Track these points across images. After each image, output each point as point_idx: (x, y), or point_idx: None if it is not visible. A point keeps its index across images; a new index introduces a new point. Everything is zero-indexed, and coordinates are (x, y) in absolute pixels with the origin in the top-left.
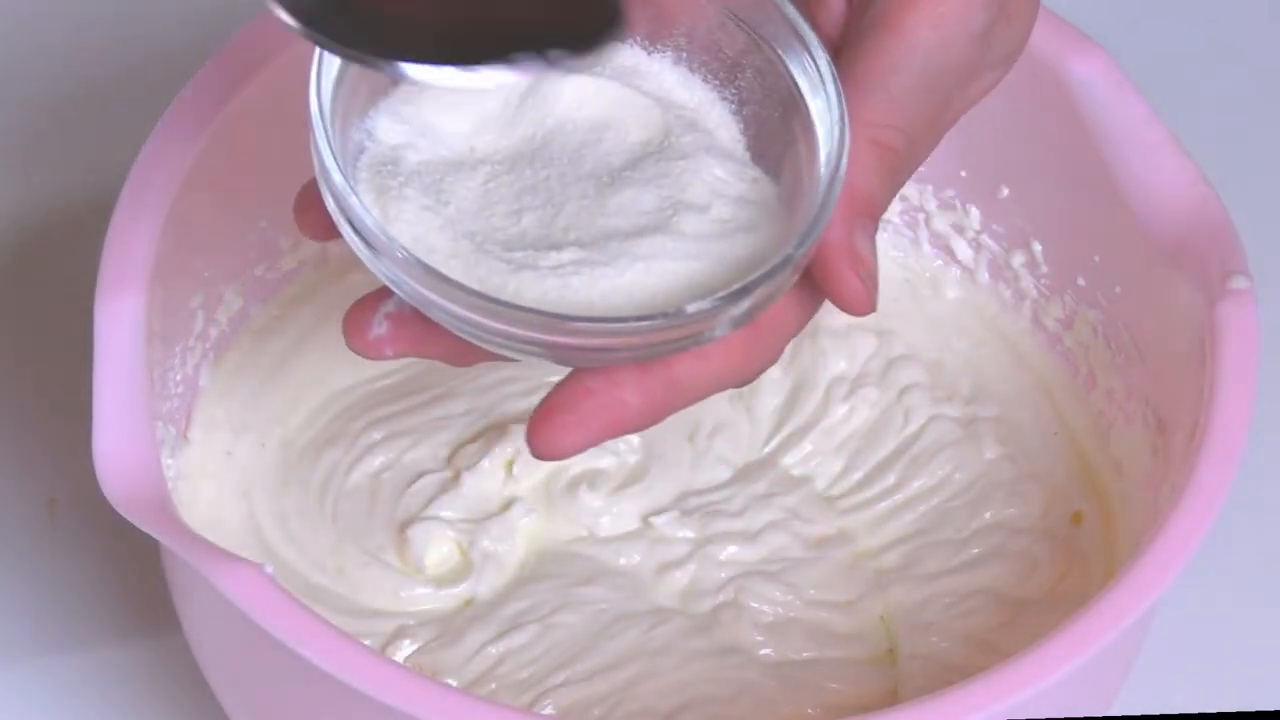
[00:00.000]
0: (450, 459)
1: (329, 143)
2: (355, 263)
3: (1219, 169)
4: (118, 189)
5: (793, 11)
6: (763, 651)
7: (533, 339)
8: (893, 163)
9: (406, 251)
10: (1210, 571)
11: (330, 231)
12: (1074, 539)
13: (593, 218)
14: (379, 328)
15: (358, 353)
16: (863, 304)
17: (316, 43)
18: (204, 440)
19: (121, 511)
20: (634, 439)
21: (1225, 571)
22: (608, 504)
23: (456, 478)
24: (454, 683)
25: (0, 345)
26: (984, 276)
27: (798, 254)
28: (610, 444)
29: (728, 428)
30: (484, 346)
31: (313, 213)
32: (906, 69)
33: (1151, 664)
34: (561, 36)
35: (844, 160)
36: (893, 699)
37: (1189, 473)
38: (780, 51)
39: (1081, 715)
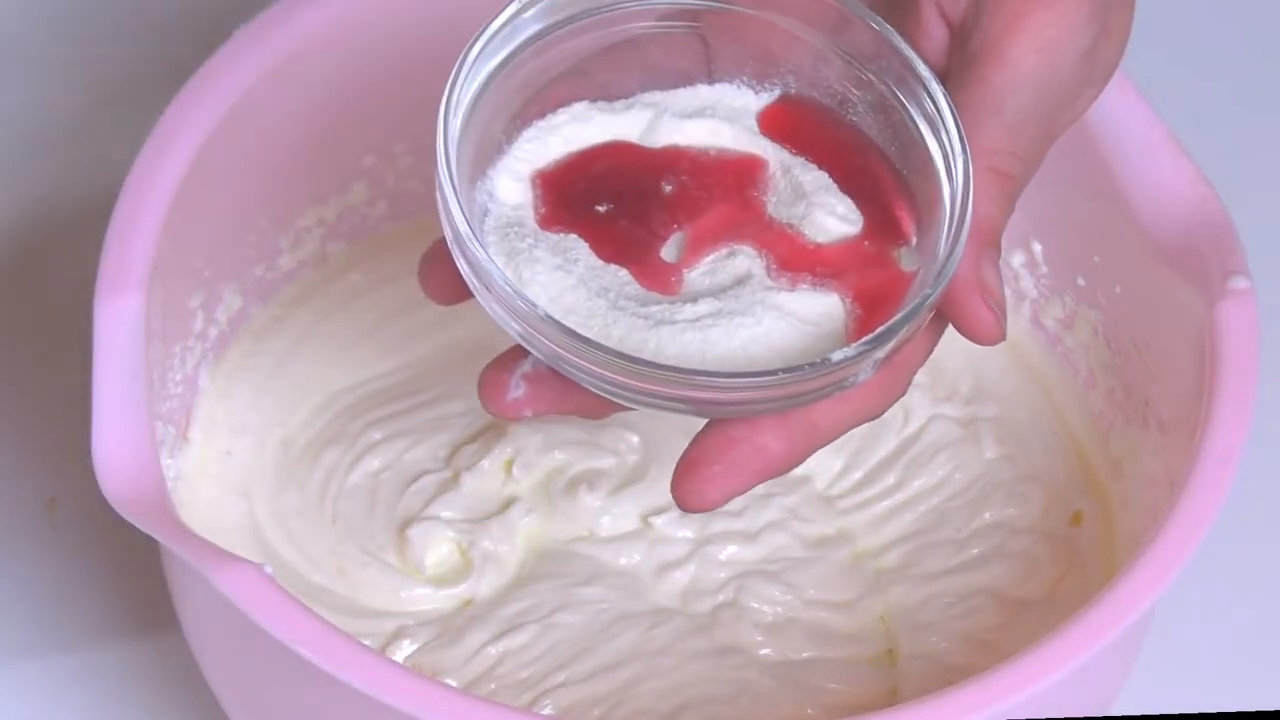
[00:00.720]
0: (450, 459)
1: (462, 209)
2: (354, 263)
3: (1219, 169)
4: (118, 189)
5: (904, 44)
6: (762, 651)
7: (677, 395)
8: (1010, 189)
9: (547, 315)
10: (1210, 571)
11: (456, 294)
12: (1074, 539)
13: (722, 264)
14: (516, 390)
15: (496, 415)
16: (994, 334)
17: None
18: (204, 440)
19: (121, 511)
20: (634, 438)
21: (1225, 571)
22: (608, 504)
23: (456, 478)
24: (454, 683)
25: (0, 345)
26: None
27: (935, 293)
28: (610, 444)
29: None
30: (624, 403)
31: (440, 275)
32: (1018, 95)
33: (1151, 664)
34: None
35: (971, 194)
36: (892, 699)
37: (1189, 473)
38: (893, 86)
39: (1081, 715)
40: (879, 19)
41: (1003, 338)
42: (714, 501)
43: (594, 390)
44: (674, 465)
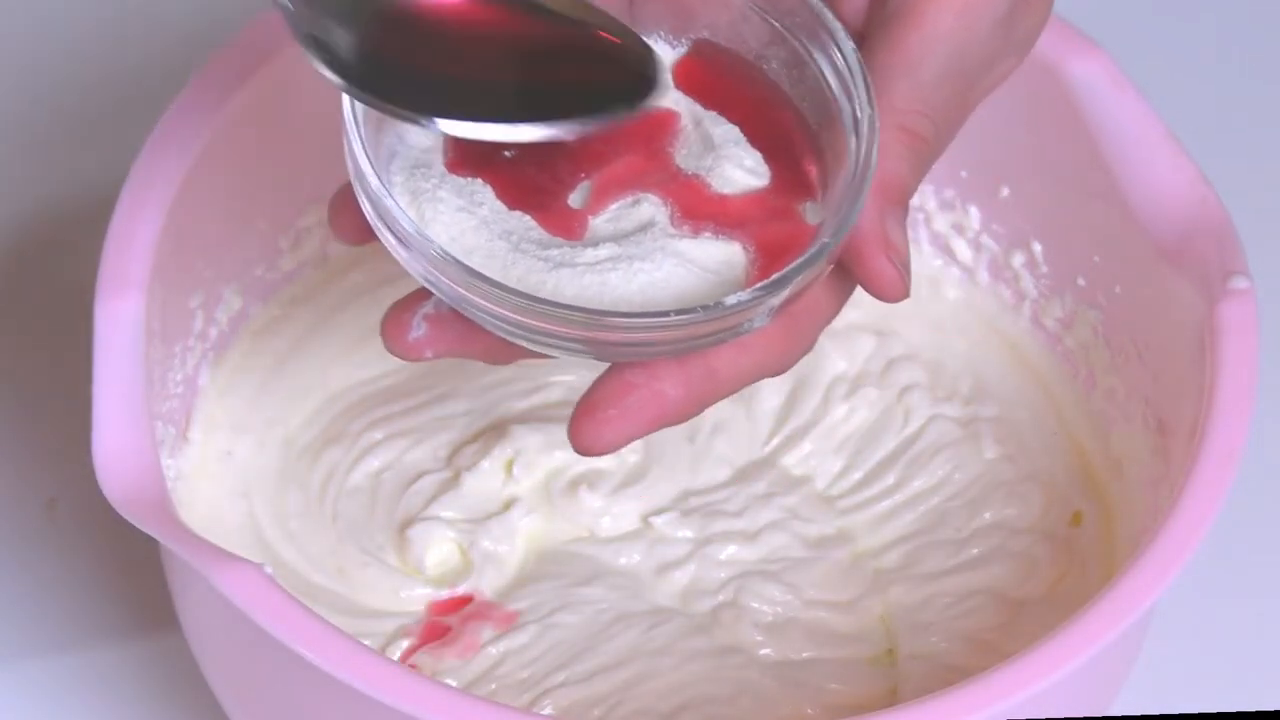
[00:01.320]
0: (450, 459)
1: (364, 147)
2: (355, 263)
3: (1219, 169)
4: (118, 189)
5: (818, 2)
6: (762, 651)
7: (574, 335)
8: (920, 149)
9: (445, 252)
10: (1210, 571)
11: (364, 234)
12: (1074, 539)
13: (626, 212)
14: (418, 330)
15: (397, 355)
16: (897, 290)
17: (356, 98)
18: (204, 440)
19: (121, 511)
20: None
21: (1225, 571)
22: (608, 504)
23: (456, 478)
24: (454, 683)
25: (0, 345)
26: (984, 276)
27: (834, 243)
28: None
29: (728, 427)
30: (524, 345)
31: (347, 216)
32: (932, 56)
33: (1151, 664)
34: (599, 95)
35: (875, 150)
36: (892, 699)
37: (1189, 473)
38: (806, 42)
39: (1081, 715)
40: None
41: (905, 294)
42: (610, 444)
43: (494, 331)
44: (674, 465)
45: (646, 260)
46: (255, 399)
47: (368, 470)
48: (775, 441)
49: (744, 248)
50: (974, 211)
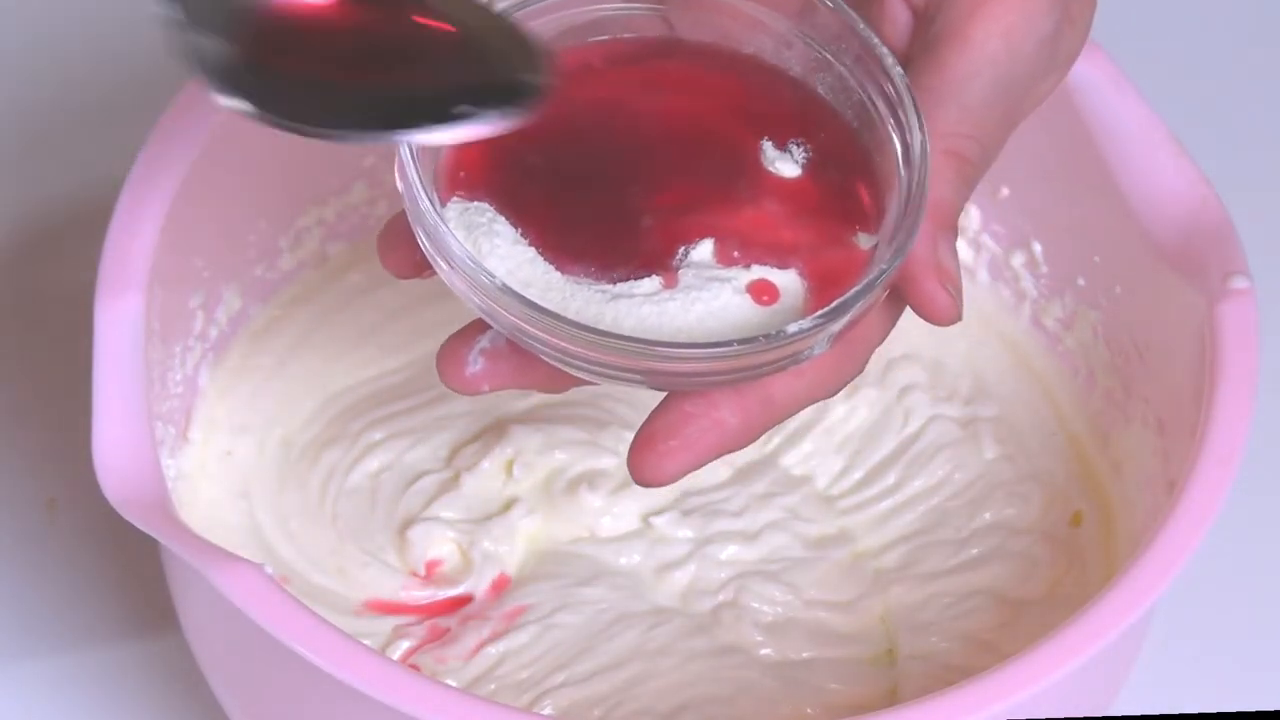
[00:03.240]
0: (450, 459)
1: (421, 183)
2: (354, 263)
3: (1219, 169)
4: (118, 189)
5: (864, 27)
6: (763, 651)
7: (634, 367)
8: (968, 172)
9: (505, 285)
10: (1210, 571)
11: (417, 269)
12: (1074, 539)
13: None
14: (475, 364)
15: (455, 390)
16: (950, 314)
17: (255, 118)
18: (204, 440)
19: (121, 511)
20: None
21: (1225, 571)
22: (608, 504)
23: (456, 478)
24: (454, 683)
25: (0, 345)
26: (984, 276)
27: (890, 269)
28: (610, 444)
29: None
30: (583, 376)
31: (399, 251)
32: (978, 79)
33: (1151, 664)
34: (489, 93)
35: (927, 176)
36: (892, 699)
37: (1189, 473)
38: (852, 68)
39: (1081, 715)
40: (840, 2)
41: (958, 318)
42: (670, 476)
43: (552, 363)
44: None
45: (703, 289)
46: (255, 399)
47: (368, 470)
48: (775, 441)
49: (799, 275)
50: (974, 211)
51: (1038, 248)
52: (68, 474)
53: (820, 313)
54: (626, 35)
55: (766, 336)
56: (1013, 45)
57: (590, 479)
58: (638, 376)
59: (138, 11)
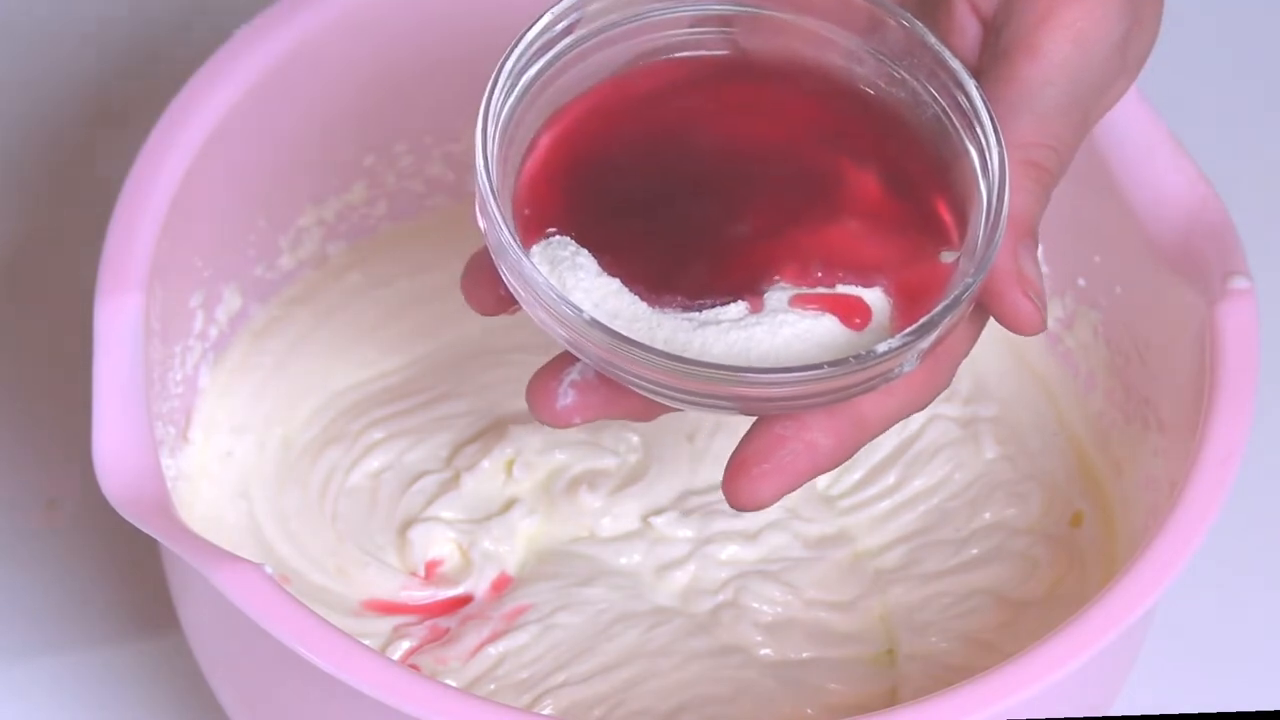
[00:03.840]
0: (450, 459)
1: (504, 220)
2: (354, 263)
3: (1219, 169)
4: (118, 189)
5: (936, 41)
6: (762, 651)
7: (725, 394)
8: (1045, 181)
9: (593, 319)
10: (1210, 571)
11: (501, 304)
12: (1074, 539)
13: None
14: (565, 398)
15: (547, 423)
16: (1035, 324)
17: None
18: (204, 440)
19: (121, 511)
20: (634, 438)
21: (1225, 571)
22: (608, 504)
23: (457, 478)
24: (454, 683)
25: (0, 345)
26: None
27: (975, 283)
28: (610, 444)
29: (728, 427)
30: (672, 405)
31: (483, 287)
32: (1052, 87)
33: (1151, 664)
34: None
35: (1007, 188)
36: (892, 699)
37: (1189, 473)
38: (925, 83)
39: (1081, 715)
40: (910, 16)
41: (1043, 327)
42: (767, 500)
43: (642, 393)
44: (674, 465)
45: (790, 312)
46: (255, 399)
47: (368, 470)
48: None
49: (884, 293)
50: None
51: (1038, 248)
52: (68, 474)
53: (908, 331)
54: (698, 57)
55: (856, 358)
56: (1084, 50)
57: (590, 479)
58: (728, 403)
59: (138, 12)
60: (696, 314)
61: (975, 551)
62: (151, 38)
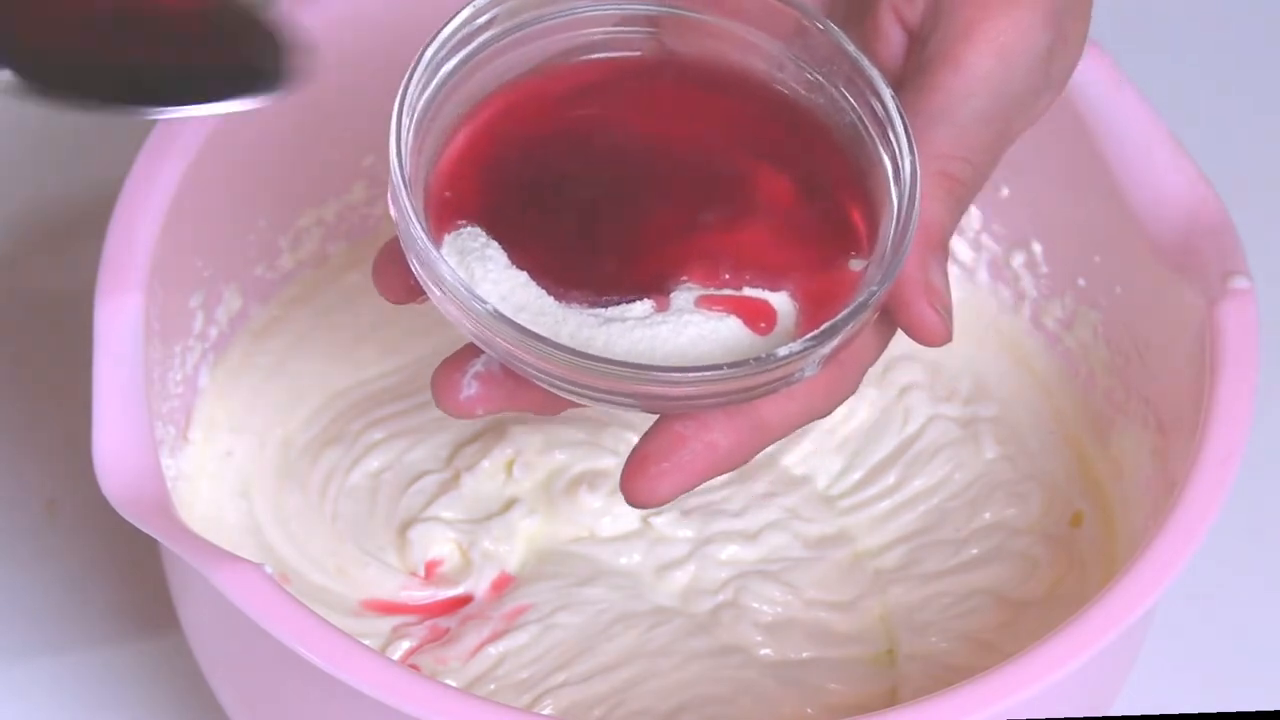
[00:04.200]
0: (450, 459)
1: (413, 210)
2: (354, 263)
3: (1219, 169)
4: (118, 189)
5: (855, 49)
6: (762, 651)
7: (627, 391)
8: (959, 193)
9: (497, 312)
10: (1210, 571)
11: (411, 294)
12: (1073, 540)
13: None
14: (469, 389)
15: (449, 414)
16: (939, 335)
17: (13, 91)
18: (204, 440)
19: (121, 511)
20: (634, 439)
21: (1225, 571)
22: (608, 504)
23: (457, 478)
24: (454, 683)
25: (0, 345)
26: (984, 276)
27: (880, 291)
28: (610, 444)
29: None
30: (576, 400)
31: (392, 275)
32: (973, 99)
33: (1151, 664)
34: (237, 74)
35: (918, 198)
36: (892, 699)
37: (1189, 473)
38: (844, 90)
39: (1081, 715)
40: (829, 23)
41: (948, 339)
42: (663, 498)
43: (546, 387)
44: None
45: (695, 313)
46: (255, 399)
47: (368, 470)
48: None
49: (790, 298)
50: (974, 211)
51: (1038, 248)
52: (68, 474)
53: (810, 336)
54: (619, 56)
55: (757, 360)
56: (1007, 65)
57: (590, 479)
58: (630, 400)
59: None
60: (603, 310)
61: (975, 551)
62: None
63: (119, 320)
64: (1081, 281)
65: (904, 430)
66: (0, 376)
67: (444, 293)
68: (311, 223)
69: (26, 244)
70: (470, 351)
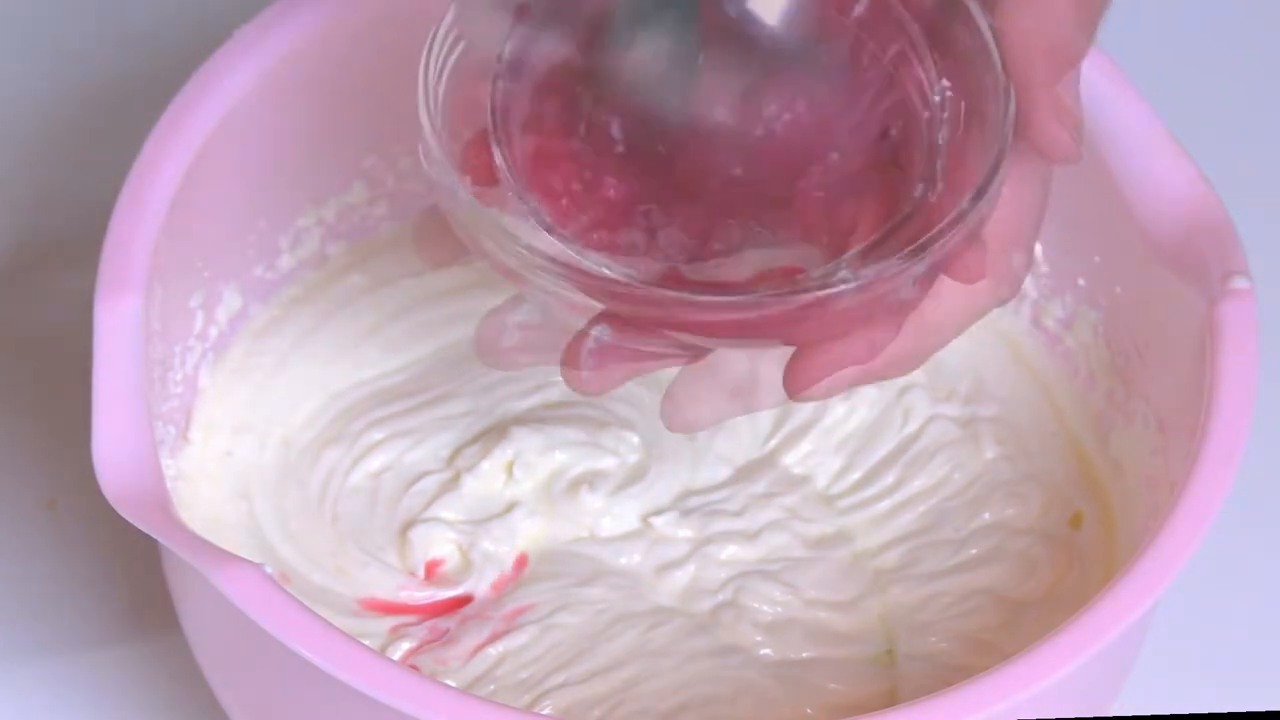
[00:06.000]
0: (451, 460)
1: (451, 167)
2: (354, 263)
3: (1219, 169)
4: (118, 189)
5: None
6: (762, 651)
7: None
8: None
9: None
10: (1210, 571)
11: (452, 255)
12: (1073, 539)
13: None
14: (511, 338)
15: (490, 364)
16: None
17: None
18: (204, 440)
19: (121, 511)
20: (634, 438)
21: (1225, 571)
22: (608, 504)
23: (457, 479)
24: (454, 683)
25: (1, 346)
26: None
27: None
28: (610, 444)
29: (728, 427)
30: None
31: (434, 239)
32: None
33: (1151, 664)
34: None
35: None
36: (892, 699)
37: (1189, 473)
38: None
39: (1081, 715)
40: None
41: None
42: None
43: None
44: (674, 465)
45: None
46: (255, 399)
47: (368, 470)
48: (775, 441)
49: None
50: None
51: (1038, 248)
52: (68, 474)
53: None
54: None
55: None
56: None
57: (590, 479)
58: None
59: (138, 11)
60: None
61: (975, 551)
62: (152, 36)
63: (119, 320)
64: (1081, 281)
65: (904, 430)
66: (0, 377)
67: (499, 245)
68: (311, 223)
69: (26, 245)
70: (512, 304)
